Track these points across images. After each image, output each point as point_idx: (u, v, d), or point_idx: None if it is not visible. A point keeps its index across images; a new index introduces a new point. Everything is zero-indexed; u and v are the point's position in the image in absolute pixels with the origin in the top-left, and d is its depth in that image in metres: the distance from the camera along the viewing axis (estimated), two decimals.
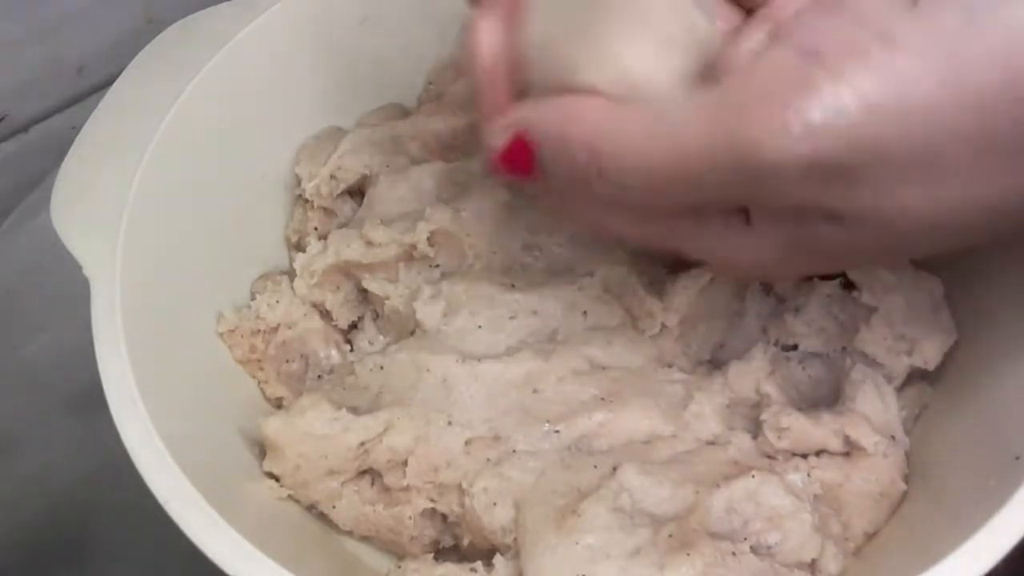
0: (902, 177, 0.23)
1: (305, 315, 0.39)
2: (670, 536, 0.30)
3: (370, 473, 0.35)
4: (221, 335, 0.38)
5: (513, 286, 0.37)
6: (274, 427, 0.34)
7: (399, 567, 0.33)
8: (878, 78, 0.22)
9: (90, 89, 0.55)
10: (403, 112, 0.45)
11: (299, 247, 0.42)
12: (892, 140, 0.23)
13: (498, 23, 0.29)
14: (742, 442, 0.33)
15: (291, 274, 0.40)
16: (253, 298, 0.39)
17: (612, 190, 0.26)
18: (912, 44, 0.22)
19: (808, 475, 0.32)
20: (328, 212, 0.42)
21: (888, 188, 0.24)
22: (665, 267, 0.37)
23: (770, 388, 0.35)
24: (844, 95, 0.22)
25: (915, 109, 0.22)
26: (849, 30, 0.23)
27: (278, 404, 0.38)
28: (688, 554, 0.29)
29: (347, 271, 0.39)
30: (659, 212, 0.28)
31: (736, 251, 0.28)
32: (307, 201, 0.42)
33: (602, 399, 0.34)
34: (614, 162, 0.26)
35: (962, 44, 0.22)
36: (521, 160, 0.28)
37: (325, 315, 0.40)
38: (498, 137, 0.28)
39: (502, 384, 0.34)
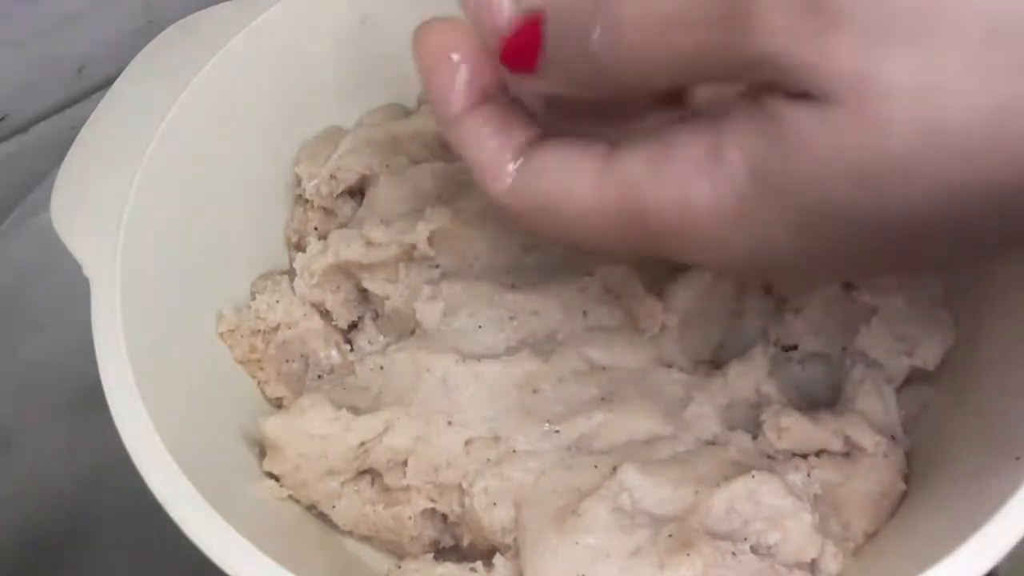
0: (892, 31, 0.20)
1: (305, 315, 0.39)
2: (670, 536, 0.30)
3: (370, 473, 0.35)
4: (221, 335, 0.38)
5: (513, 286, 0.37)
6: (274, 427, 0.34)
7: (399, 567, 0.33)
8: None
9: (90, 89, 0.55)
10: (403, 112, 0.45)
11: (299, 247, 0.42)
12: None
13: None
14: (742, 442, 0.33)
15: (291, 274, 0.40)
16: (253, 298, 0.39)
17: (605, 49, 0.24)
18: None
19: (808, 475, 0.32)
20: (328, 212, 0.42)
21: (873, 42, 0.20)
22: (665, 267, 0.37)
23: (770, 388, 0.35)
24: None
25: None
26: None
27: (278, 404, 0.38)
28: (688, 554, 0.29)
29: (347, 271, 0.39)
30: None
31: (696, 187, 0.24)
32: (307, 201, 0.42)
33: (602, 399, 0.34)
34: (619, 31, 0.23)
35: None
36: (530, 45, 0.26)
37: (325, 315, 0.40)
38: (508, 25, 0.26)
39: (502, 384, 0.34)
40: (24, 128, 0.55)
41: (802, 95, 0.21)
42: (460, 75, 0.28)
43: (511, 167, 0.28)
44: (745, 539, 0.30)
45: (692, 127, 0.24)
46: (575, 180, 0.26)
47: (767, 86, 0.22)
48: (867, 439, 0.32)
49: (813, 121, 0.21)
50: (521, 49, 0.26)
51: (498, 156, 0.28)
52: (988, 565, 0.25)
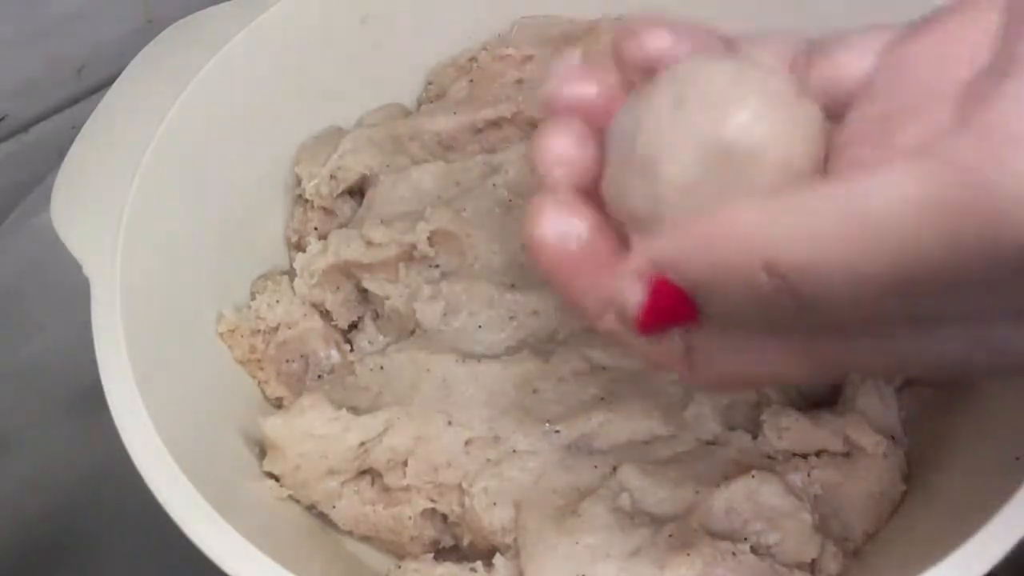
0: None
1: (305, 315, 0.39)
2: (670, 536, 0.30)
3: (370, 473, 0.35)
4: (221, 335, 0.38)
5: (513, 286, 0.37)
6: (274, 427, 0.34)
7: (399, 567, 0.33)
8: None
9: (90, 89, 0.55)
10: (403, 112, 0.45)
11: (299, 247, 0.42)
12: None
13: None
14: (742, 442, 0.33)
15: (291, 274, 0.40)
16: (253, 298, 0.39)
17: (802, 309, 0.20)
18: None
19: (808, 475, 0.32)
20: (328, 212, 0.42)
21: None
22: None
23: (770, 388, 0.35)
24: None
25: None
26: None
27: (278, 404, 0.38)
28: (688, 554, 0.29)
29: (347, 271, 0.39)
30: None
31: (920, 356, 0.21)
32: (307, 201, 0.42)
33: (602, 399, 0.34)
34: (802, 272, 0.19)
35: None
36: (677, 305, 0.22)
37: (325, 315, 0.40)
38: (632, 291, 0.22)
39: (502, 384, 0.35)
40: (24, 128, 0.55)
41: None
42: (599, 282, 0.23)
43: (683, 355, 0.25)
44: (745, 539, 0.30)
45: None
46: (759, 351, 0.23)
47: None
48: (867, 439, 0.32)
49: None
50: (667, 307, 0.22)
51: (670, 353, 0.25)
52: (988, 565, 0.25)
